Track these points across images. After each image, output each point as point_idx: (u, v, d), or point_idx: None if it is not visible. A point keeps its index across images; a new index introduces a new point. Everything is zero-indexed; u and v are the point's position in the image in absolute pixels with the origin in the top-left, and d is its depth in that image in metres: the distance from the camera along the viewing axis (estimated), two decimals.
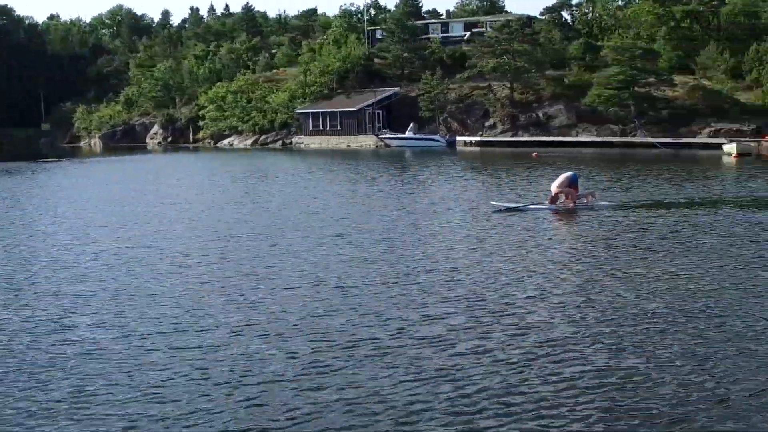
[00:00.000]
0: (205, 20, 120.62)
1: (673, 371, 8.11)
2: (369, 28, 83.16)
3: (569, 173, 21.71)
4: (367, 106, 67.96)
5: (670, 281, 12.04)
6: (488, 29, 72.69)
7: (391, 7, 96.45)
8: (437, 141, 61.51)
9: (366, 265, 13.75)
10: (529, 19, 74.04)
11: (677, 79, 59.87)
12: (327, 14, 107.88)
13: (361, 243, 16.09)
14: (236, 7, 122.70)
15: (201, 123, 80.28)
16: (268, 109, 74.52)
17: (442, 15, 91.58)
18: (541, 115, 62.19)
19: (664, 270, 12.84)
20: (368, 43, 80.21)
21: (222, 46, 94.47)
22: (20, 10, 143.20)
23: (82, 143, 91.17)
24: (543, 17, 78.12)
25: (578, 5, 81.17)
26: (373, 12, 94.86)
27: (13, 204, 25.85)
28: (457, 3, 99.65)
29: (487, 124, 63.82)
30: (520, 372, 8.21)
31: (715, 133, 53.11)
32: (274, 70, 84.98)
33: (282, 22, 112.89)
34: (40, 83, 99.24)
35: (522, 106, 63.60)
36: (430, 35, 77.80)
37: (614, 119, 57.81)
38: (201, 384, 8.05)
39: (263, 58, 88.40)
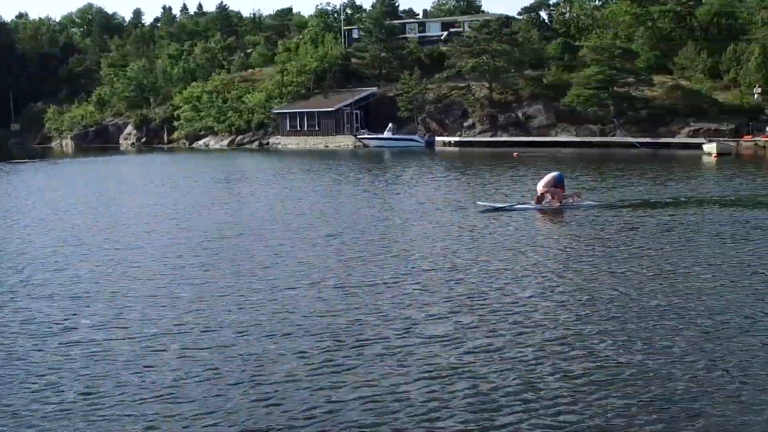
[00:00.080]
0: (178, 19, 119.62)
1: (685, 367, 8.20)
2: (345, 27, 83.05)
3: (555, 173, 21.56)
4: (345, 106, 67.71)
5: (668, 279, 12.17)
6: (466, 29, 72.88)
7: (367, 6, 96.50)
8: (416, 141, 61.39)
9: (364, 265, 13.71)
10: (507, 19, 74.24)
11: (656, 79, 60.40)
12: (302, 14, 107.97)
13: (355, 243, 16.03)
14: (210, 6, 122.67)
15: (176, 123, 79.52)
16: (244, 109, 74.00)
17: (418, 15, 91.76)
18: (520, 115, 62.43)
19: (660, 268, 12.97)
20: (345, 42, 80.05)
21: (196, 46, 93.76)
22: None
23: (53, 144, 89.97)
24: (521, 17, 78.44)
25: (556, 5, 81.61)
26: (349, 11, 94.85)
27: None
28: (433, 3, 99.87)
29: (465, 124, 63.95)
30: (533, 369, 8.25)
31: (694, 133, 53.74)
32: (250, 70, 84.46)
33: (257, 22, 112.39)
34: (9, 83, 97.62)
35: (501, 106, 63.80)
36: (408, 35, 77.70)
37: (593, 119, 58.16)
38: (215, 384, 7.97)
39: (238, 57, 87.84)
